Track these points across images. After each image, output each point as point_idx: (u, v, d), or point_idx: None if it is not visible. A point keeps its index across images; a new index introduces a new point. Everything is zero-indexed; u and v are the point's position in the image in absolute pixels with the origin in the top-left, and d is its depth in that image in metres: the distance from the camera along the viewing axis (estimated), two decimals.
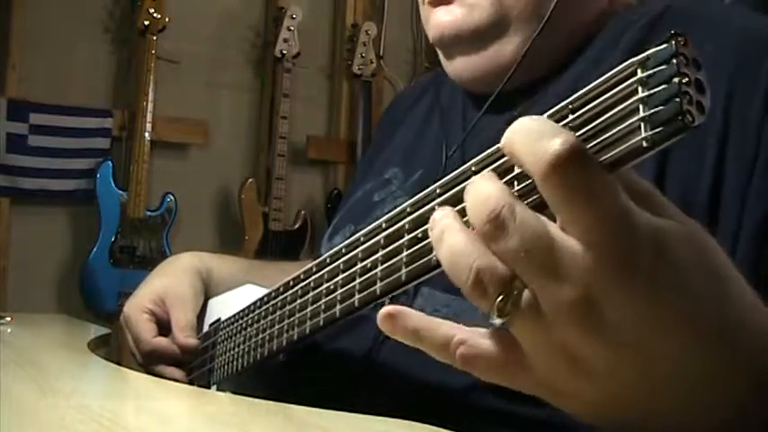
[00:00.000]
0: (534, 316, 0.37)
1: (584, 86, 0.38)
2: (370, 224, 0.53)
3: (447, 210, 0.41)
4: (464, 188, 0.44)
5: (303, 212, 2.86)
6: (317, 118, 3.03)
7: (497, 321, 0.38)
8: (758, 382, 0.40)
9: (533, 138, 0.35)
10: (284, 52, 2.75)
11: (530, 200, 0.39)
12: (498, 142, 0.40)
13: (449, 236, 0.40)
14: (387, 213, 0.52)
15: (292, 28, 2.76)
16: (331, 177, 3.04)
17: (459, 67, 0.76)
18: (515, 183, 0.40)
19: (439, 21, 0.75)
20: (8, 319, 1.07)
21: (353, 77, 2.99)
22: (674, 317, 0.36)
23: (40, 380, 0.62)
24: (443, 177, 0.46)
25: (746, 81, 0.59)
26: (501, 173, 0.41)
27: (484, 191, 0.38)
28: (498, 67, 0.72)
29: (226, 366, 0.82)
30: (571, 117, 0.37)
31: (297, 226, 2.84)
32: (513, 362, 0.40)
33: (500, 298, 0.37)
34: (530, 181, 0.38)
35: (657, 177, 0.58)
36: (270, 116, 2.81)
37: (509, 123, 0.39)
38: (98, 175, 2.48)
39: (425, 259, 0.46)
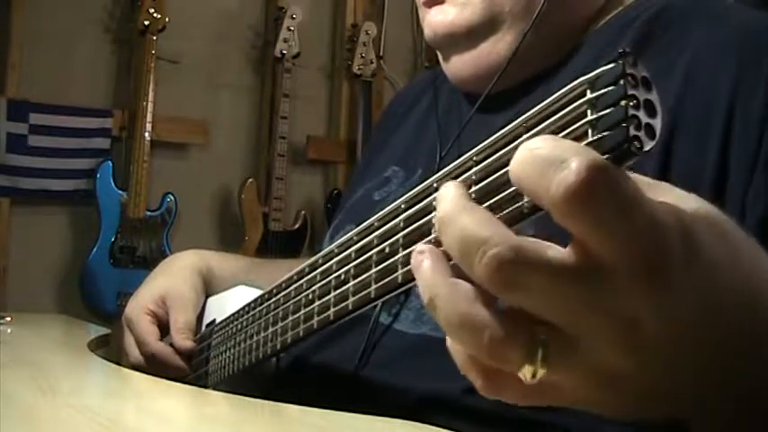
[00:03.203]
0: (567, 361, 0.34)
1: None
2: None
3: (427, 264, 0.36)
4: (429, 203, 0.42)
5: (303, 212, 2.86)
6: (316, 118, 3.03)
7: (530, 381, 0.34)
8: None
9: (540, 169, 0.32)
10: (284, 52, 2.75)
11: (505, 211, 0.36)
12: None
13: (443, 304, 0.35)
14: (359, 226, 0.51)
15: (292, 28, 2.76)
16: (331, 177, 3.04)
17: (454, 66, 0.76)
18: (487, 196, 0.37)
19: (432, 20, 0.75)
20: (8, 319, 1.07)
21: (353, 77, 2.99)
22: (708, 303, 0.35)
23: (40, 380, 0.61)
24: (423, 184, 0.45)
25: (750, 77, 0.59)
26: (470, 184, 0.39)
27: (470, 235, 0.33)
28: (492, 64, 0.72)
29: (220, 370, 0.83)
30: (526, 136, 0.36)
31: (297, 226, 2.84)
32: (550, 390, 0.37)
33: (527, 362, 0.33)
34: (507, 192, 0.36)
35: (661, 171, 0.58)
36: (270, 116, 2.81)
37: (506, 125, 0.39)
38: (98, 175, 2.48)
39: (392, 276, 0.46)
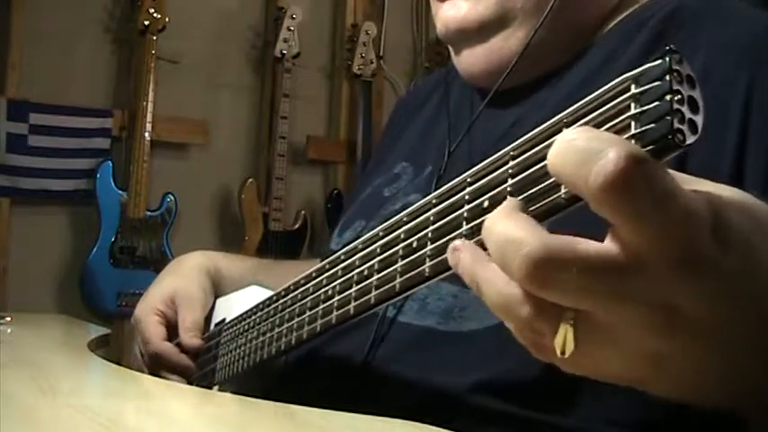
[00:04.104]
0: (600, 342, 0.36)
1: (590, 87, 0.37)
2: (375, 226, 0.53)
3: (465, 256, 0.38)
4: (461, 197, 0.43)
5: (303, 212, 2.86)
6: (316, 118, 3.03)
7: (561, 356, 0.36)
8: None
9: (579, 159, 0.32)
10: (284, 52, 2.75)
11: (543, 203, 0.37)
12: (502, 140, 0.40)
13: (485, 289, 0.37)
14: (386, 221, 0.52)
15: (292, 28, 2.76)
16: (331, 177, 3.04)
17: (465, 61, 0.76)
18: (516, 193, 0.38)
19: (445, 14, 0.75)
20: (8, 319, 1.07)
21: (353, 77, 2.99)
22: (746, 282, 0.35)
23: (40, 380, 0.61)
24: (444, 173, 0.46)
25: (764, 76, 0.60)
26: (497, 183, 0.40)
27: (505, 238, 0.35)
28: (503, 60, 0.72)
29: (228, 367, 0.83)
30: (566, 131, 0.36)
31: (297, 226, 2.84)
32: (593, 363, 0.38)
33: (558, 338, 0.35)
34: (544, 185, 0.37)
35: (678, 164, 0.58)
36: (270, 116, 2.81)
37: (514, 124, 0.39)
38: (98, 175, 2.48)
39: (419, 270, 0.46)
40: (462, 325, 0.64)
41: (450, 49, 0.80)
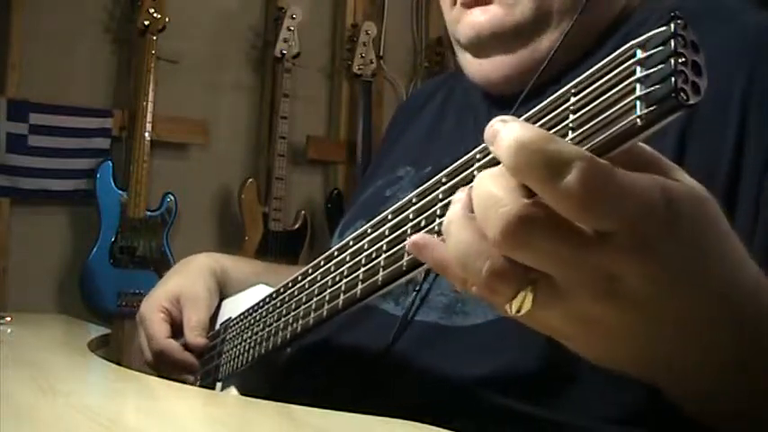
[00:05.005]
0: (552, 304, 0.38)
1: None
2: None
3: (460, 195, 0.41)
4: (469, 175, 0.45)
5: (303, 212, 2.86)
6: (316, 118, 3.03)
7: (514, 314, 0.38)
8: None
9: (545, 171, 0.35)
10: (284, 52, 2.75)
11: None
12: None
13: (456, 231, 0.39)
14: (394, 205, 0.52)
15: (292, 28, 2.76)
16: (331, 177, 3.04)
17: (489, 67, 0.75)
18: None
19: (475, 20, 0.74)
20: (8, 319, 1.07)
21: (353, 77, 2.99)
22: (684, 272, 0.38)
23: (40, 380, 0.62)
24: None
25: (763, 77, 0.60)
26: None
27: (488, 193, 0.37)
28: (532, 64, 0.72)
29: (232, 362, 0.82)
30: (573, 100, 0.38)
31: (297, 226, 2.84)
32: (534, 318, 0.41)
33: (515, 299, 0.38)
34: None
35: (677, 159, 0.58)
36: (270, 116, 2.81)
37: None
38: (98, 175, 2.48)
39: None
40: (465, 320, 0.64)
41: (465, 54, 0.77)
